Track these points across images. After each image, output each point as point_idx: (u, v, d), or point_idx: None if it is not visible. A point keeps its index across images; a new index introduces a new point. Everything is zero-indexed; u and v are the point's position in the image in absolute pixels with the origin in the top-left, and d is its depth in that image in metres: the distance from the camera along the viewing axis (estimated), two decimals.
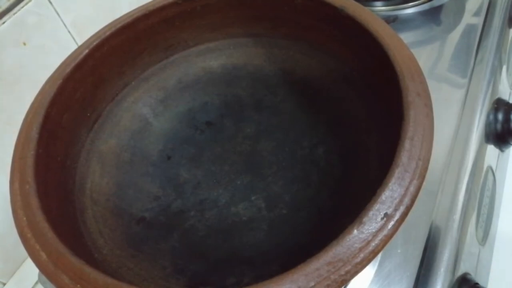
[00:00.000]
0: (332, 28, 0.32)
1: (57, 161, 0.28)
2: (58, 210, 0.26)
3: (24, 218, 0.23)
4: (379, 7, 0.54)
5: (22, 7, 0.37)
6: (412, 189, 0.21)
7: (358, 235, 0.19)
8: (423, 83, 0.25)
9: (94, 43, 0.31)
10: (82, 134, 0.32)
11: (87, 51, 0.30)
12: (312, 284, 0.18)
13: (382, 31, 0.27)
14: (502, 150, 0.49)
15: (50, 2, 0.39)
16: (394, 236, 0.20)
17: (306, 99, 0.36)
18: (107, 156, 0.33)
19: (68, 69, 0.29)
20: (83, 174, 0.31)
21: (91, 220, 0.29)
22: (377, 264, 0.32)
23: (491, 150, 0.45)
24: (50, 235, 0.22)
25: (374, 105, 0.30)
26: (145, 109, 0.36)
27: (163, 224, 0.31)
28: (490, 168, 0.44)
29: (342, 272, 0.19)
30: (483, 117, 0.42)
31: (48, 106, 0.27)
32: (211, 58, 0.38)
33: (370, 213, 0.20)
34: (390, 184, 0.21)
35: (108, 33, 0.32)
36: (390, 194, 0.20)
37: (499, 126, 0.45)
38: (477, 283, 0.33)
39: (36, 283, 0.21)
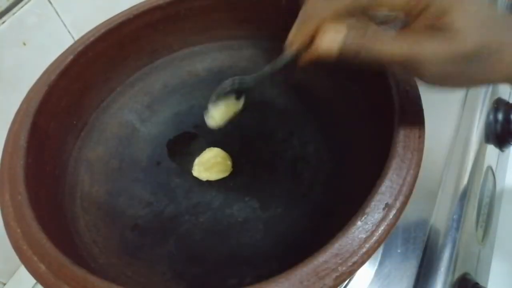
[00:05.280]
0: None
1: (46, 171, 0.27)
2: (50, 221, 0.25)
3: (18, 230, 0.22)
4: None
5: (22, 7, 0.36)
6: (409, 179, 0.21)
7: (362, 226, 0.20)
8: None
9: (78, 49, 0.30)
10: (69, 142, 0.31)
11: (71, 57, 0.30)
12: (322, 275, 0.19)
13: None
14: (502, 150, 0.49)
15: (50, 2, 0.38)
16: (395, 227, 0.21)
17: (293, 99, 0.36)
18: (96, 164, 0.32)
19: (53, 76, 0.28)
20: (72, 183, 0.30)
21: (84, 229, 0.28)
22: (377, 264, 0.32)
23: (491, 150, 0.45)
24: (48, 246, 0.21)
25: (364, 101, 0.31)
26: (131, 115, 0.36)
27: (158, 230, 0.30)
28: (490, 168, 0.44)
29: (350, 263, 0.19)
30: (483, 117, 0.42)
31: (35, 114, 0.27)
32: (196, 61, 0.38)
33: (372, 204, 0.20)
34: (388, 174, 0.21)
35: (92, 39, 0.31)
36: (389, 185, 0.21)
37: (499, 126, 0.44)
38: (477, 283, 0.33)
39: (36, 283, 0.20)
